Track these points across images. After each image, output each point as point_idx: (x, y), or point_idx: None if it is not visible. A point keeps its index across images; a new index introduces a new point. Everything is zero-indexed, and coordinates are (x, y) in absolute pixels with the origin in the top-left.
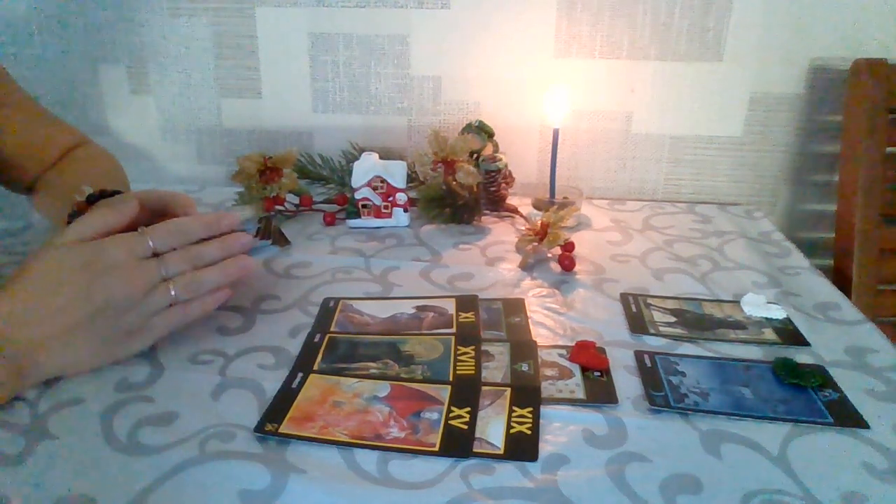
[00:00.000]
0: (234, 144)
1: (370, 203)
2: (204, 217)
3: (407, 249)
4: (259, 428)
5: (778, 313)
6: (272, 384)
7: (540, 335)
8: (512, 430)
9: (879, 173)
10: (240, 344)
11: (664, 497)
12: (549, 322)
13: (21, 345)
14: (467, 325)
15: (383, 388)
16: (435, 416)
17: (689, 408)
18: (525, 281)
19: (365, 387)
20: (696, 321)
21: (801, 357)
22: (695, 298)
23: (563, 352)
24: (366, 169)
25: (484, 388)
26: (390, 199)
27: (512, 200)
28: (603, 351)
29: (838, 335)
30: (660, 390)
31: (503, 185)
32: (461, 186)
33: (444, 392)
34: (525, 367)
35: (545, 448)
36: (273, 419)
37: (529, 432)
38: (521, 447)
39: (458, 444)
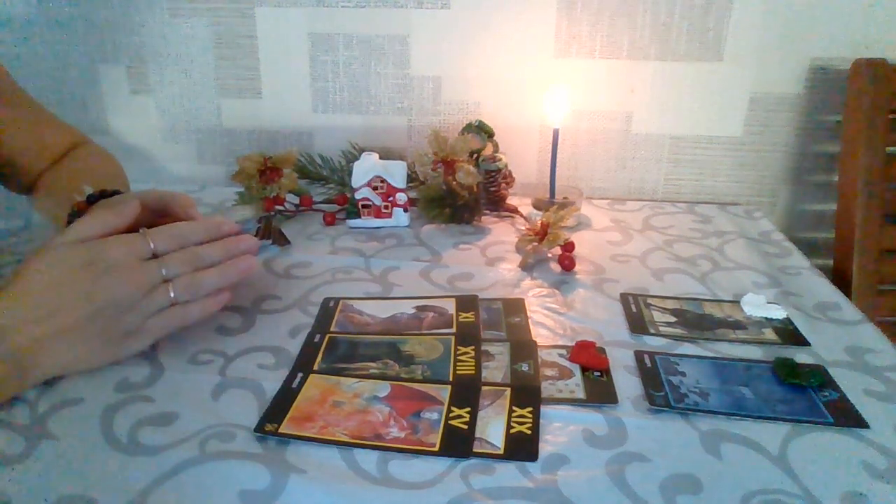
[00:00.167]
0: (234, 144)
1: (370, 203)
2: (205, 220)
3: (407, 249)
4: (259, 428)
5: (778, 313)
6: (272, 384)
7: (540, 335)
8: (512, 430)
9: (879, 173)
10: (240, 344)
11: (664, 497)
12: (549, 322)
13: (21, 345)
14: (467, 325)
15: (383, 388)
16: (435, 416)
17: (689, 408)
18: (525, 281)
19: (365, 387)
20: (696, 321)
21: (801, 357)
22: (695, 298)
23: (563, 352)
24: (366, 169)
25: (484, 388)
26: (390, 199)
27: (512, 200)
28: (603, 351)
29: (838, 335)
30: (660, 390)
31: (503, 185)
32: (461, 186)
33: (444, 392)
34: (525, 367)
35: (545, 448)
36: (273, 419)
37: (529, 432)
38: (521, 447)
39: (458, 444)
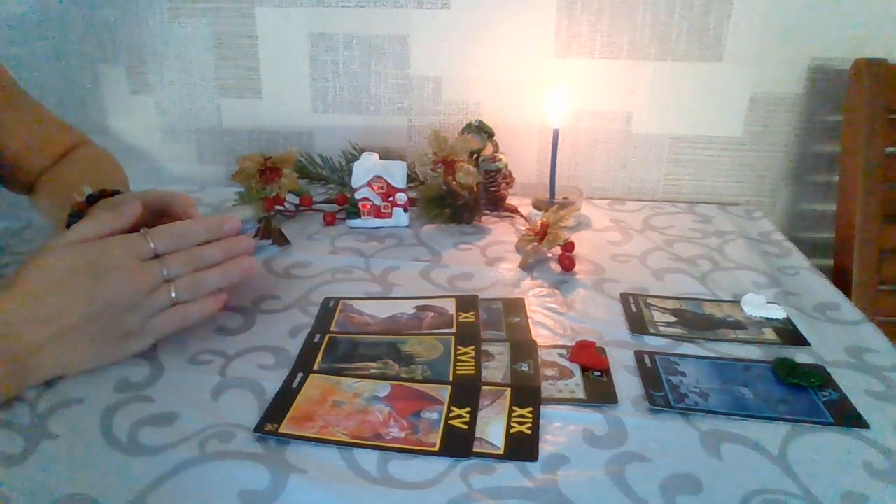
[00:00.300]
0: (234, 144)
1: (370, 202)
2: (206, 220)
3: (407, 249)
4: (259, 428)
5: (778, 313)
6: (272, 384)
7: (540, 335)
8: (512, 430)
9: (879, 173)
10: (240, 344)
11: (664, 497)
12: (549, 322)
13: (22, 345)
14: (467, 325)
15: (383, 388)
16: (435, 416)
17: (689, 408)
18: (525, 281)
19: (365, 387)
20: (696, 321)
21: (801, 357)
22: (695, 298)
23: (563, 352)
24: (366, 169)
25: (484, 388)
26: (390, 199)
27: (512, 200)
28: (603, 351)
29: (838, 335)
30: (660, 390)
31: (503, 185)
32: (461, 186)
33: (444, 392)
34: (525, 367)
35: (545, 448)
36: (273, 419)
37: (529, 432)
38: (521, 447)
39: (458, 444)
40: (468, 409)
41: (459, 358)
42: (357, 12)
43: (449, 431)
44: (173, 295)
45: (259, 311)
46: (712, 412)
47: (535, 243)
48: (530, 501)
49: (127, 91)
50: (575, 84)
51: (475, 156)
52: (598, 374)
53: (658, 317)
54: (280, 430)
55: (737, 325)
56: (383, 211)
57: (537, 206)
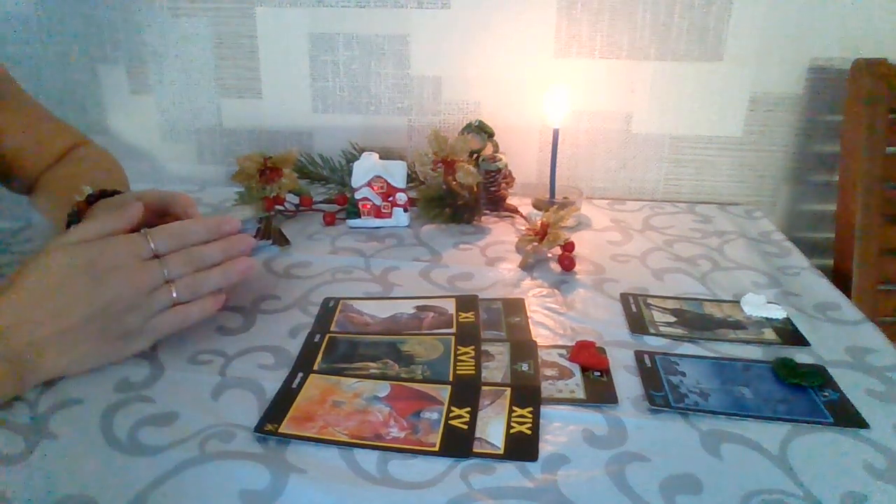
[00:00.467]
0: (234, 144)
1: (370, 202)
2: (205, 220)
3: (407, 249)
4: (259, 428)
5: (778, 313)
6: (272, 384)
7: (540, 335)
8: (512, 430)
9: (879, 173)
10: (240, 344)
11: (664, 497)
12: (549, 322)
13: (22, 345)
14: (467, 325)
15: (383, 388)
16: (435, 416)
17: (689, 408)
18: (525, 281)
19: (365, 387)
20: (696, 321)
21: (801, 357)
22: (695, 298)
23: (563, 352)
24: (366, 169)
25: (484, 388)
26: (390, 199)
27: (512, 200)
28: (603, 351)
29: (838, 335)
30: (660, 390)
31: (503, 185)
32: (461, 186)
33: (444, 392)
34: (525, 367)
35: (545, 448)
36: (273, 419)
37: (529, 432)
38: (521, 447)
39: (458, 444)
40: (468, 409)
41: (459, 358)
42: (357, 12)
43: (449, 431)
44: (174, 295)
45: (259, 311)
46: (712, 412)
47: (535, 243)
48: (530, 501)
49: (127, 91)
50: (575, 84)
51: (475, 156)
52: (598, 374)
53: (658, 317)
54: (280, 430)
55: (737, 325)
56: (383, 211)
57: (537, 206)
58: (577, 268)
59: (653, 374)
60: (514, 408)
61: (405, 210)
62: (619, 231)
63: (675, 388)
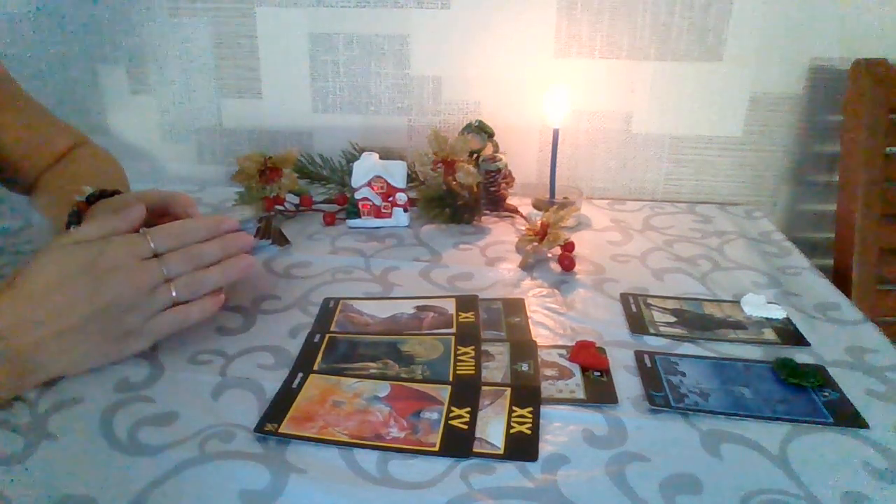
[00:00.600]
0: (234, 144)
1: (370, 202)
2: (205, 219)
3: (407, 249)
4: (259, 428)
5: (778, 313)
6: (272, 384)
7: (540, 335)
8: (512, 430)
9: (879, 173)
10: (240, 344)
11: (664, 497)
12: (549, 322)
13: (22, 345)
14: (467, 325)
15: (383, 388)
16: (435, 416)
17: (689, 408)
18: (525, 281)
19: (365, 387)
20: (696, 321)
21: (801, 357)
22: (695, 298)
23: (563, 352)
24: (366, 169)
25: (484, 388)
26: (390, 199)
27: (512, 200)
28: (603, 351)
29: (838, 335)
30: (660, 390)
31: (503, 185)
32: (461, 186)
33: (444, 392)
34: (525, 367)
35: (545, 448)
36: (273, 419)
37: (529, 432)
38: (521, 447)
39: (458, 444)
40: (468, 409)
41: (459, 358)
42: (357, 12)
43: (449, 431)
44: (174, 294)
45: (259, 311)
46: (712, 412)
47: (535, 243)
48: (530, 501)
49: (127, 91)
50: (575, 84)
51: (475, 156)
52: (598, 374)
53: (658, 317)
54: (280, 430)
55: (737, 325)
56: (383, 211)
57: (537, 206)
58: (577, 268)
59: (653, 374)
60: (514, 408)
61: (405, 210)
62: (619, 231)
63: (675, 388)
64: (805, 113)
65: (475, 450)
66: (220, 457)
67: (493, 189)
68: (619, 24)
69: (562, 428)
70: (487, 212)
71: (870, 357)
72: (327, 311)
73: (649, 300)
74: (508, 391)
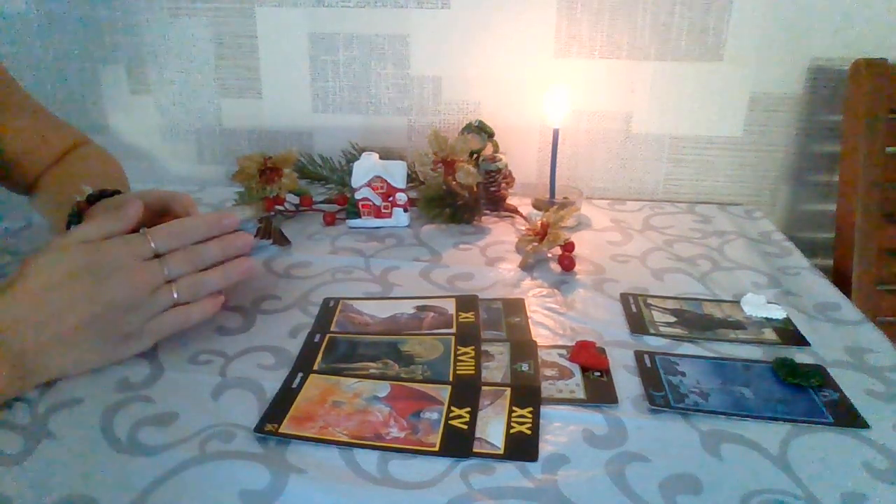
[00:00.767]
0: (234, 144)
1: (370, 202)
2: (205, 217)
3: (407, 249)
4: (259, 428)
5: (778, 313)
6: (272, 384)
7: (540, 335)
8: (512, 430)
9: (879, 173)
10: (240, 344)
11: (664, 497)
12: (549, 322)
13: (23, 347)
14: (467, 325)
15: (383, 388)
16: (435, 416)
17: (689, 408)
18: (525, 281)
19: (365, 387)
20: (696, 321)
21: (801, 357)
22: (695, 298)
23: (563, 352)
24: (366, 169)
25: (484, 388)
26: (390, 199)
27: (512, 200)
28: (603, 351)
29: (838, 335)
30: (660, 390)
31: (503, 185)
32: (461, 186)
33: (444, 392)
34: (525, 367)
35: (545, 448)
36: (273, 419)
37: (529, 432)
38: (521, 447)
39: (458, 444)
40: (468, 409)
41: (459, 358)
42: (357, 12)
43: (449, 431)
44: (175, 295)
45: (259, 311)
46: (712, 412)
47: (535, 243)
48: (530, 501)
49: (127, 91)
50: (575, 84)
51: (475, 156)
52: (598, 374)
53: (658, 317)
54: (280, 430)
55: (737, 325)
56: (383, 211)
57: (537, 206)
58: (577, 268)
59: (653, 374)
60: (514, 408)
61: (405, 210)
62: (619, 231)
63: (675, 388)
64: (805, 113)
65: (475, 450)
66: (220, 457)
67: (493, 189)
68: (619, 24)
69: (562, 428)
70: (487, 212)
71: (870, 357)
72: (327, 311)
73: (649, 300)
74: (508, 391)
